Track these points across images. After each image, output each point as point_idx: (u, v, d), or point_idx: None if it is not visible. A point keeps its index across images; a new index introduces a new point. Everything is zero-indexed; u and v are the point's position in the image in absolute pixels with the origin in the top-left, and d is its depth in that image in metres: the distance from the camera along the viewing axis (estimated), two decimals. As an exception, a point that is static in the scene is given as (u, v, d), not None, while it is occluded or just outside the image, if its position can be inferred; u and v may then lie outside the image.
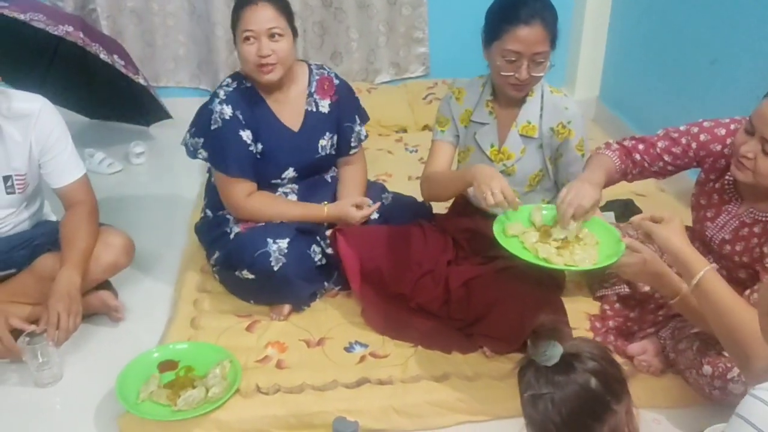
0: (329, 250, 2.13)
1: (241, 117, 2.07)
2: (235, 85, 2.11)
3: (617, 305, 2.08)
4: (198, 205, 2.64)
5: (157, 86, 3.58)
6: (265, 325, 2.06)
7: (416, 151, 3.36)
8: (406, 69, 3.85)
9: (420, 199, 2.29)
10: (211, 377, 1.76)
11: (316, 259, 2.12)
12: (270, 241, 2.00)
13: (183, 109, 3.55)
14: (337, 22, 3.65)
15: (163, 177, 3.16)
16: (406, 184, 2.98)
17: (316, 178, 2.27)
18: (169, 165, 3.25)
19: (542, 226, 1.78)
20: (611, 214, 2.57)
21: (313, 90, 2.20)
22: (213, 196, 2.26)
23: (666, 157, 1.91)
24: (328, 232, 2.13)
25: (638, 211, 2.63)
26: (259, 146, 2.12)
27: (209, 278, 2.27)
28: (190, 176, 3.05)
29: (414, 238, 2.16)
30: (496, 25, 1.87)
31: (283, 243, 2.00)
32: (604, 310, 2.10)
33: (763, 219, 1.73)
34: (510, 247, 1.69)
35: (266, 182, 2.17)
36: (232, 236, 2.10)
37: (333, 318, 2.10)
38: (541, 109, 2.02)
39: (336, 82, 2.25)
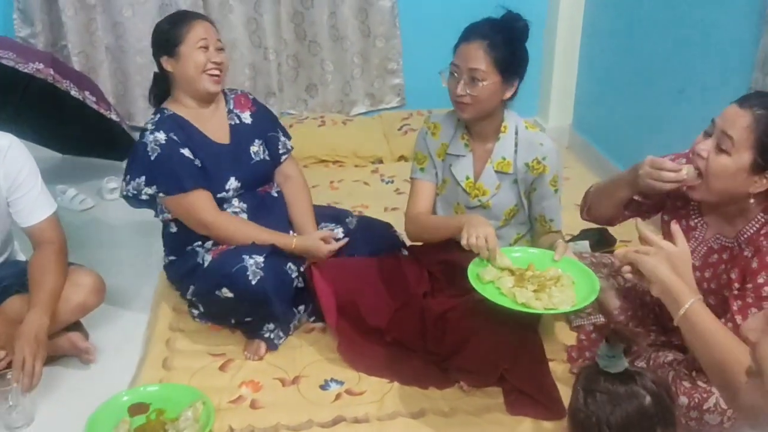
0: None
1: (176, 138, 2.11)
2: (158, 116, 2.16)
3: (593, 335, 2.08)
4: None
5: (131, 125, 3.56)
6: (239, 364, 2.03)
7: (392, 182, 3.37)
8: (381, 100, 3.88)
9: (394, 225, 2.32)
10: (182, 420, 1.72)
11: (293, 276, 2.11)
12: (246, 257, 1.99)
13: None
14: (311, 55, 3.68)
15: (136, 213, 3.07)
16: (382, 215, 2.97)
17: (263, 196, 2.28)
18: (142, 200, 3.22)
19: (517, 269, 1.80)
20: (585, 243, 2.59)
21: (231, 107, 2.30)
22: (172, 244, 2.27)
23: (637, 198, 1.92)
24: (303, 267, 2.12)
25: (612, 239, 2.65)
26: (198, 162, 2.15)
27: (182, 317, 2.23)
28: (163, 212, 3.01)
29: (389, 271, 2.15)
30: (456, 44, 1.96)
31: (260, 258, 2.00)
32: (580, 340, 2.10)
33: (729, 245, 1.74)
34: (487, 294, 1.71)
35: (213, 198, 2.17)
36: (205, 265, 2.08)
37: (308, 355, 2.08)
38: (516, 144, 2.04)
39: (251, 97, 2.39)
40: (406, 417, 1.82)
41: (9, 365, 1.85)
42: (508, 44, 1.91)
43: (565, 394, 1.82)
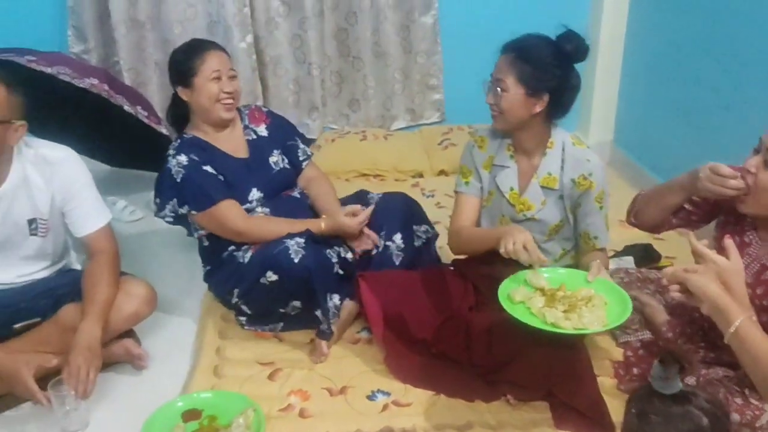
0: (348, 255, 2.21)
1: (196, 158, 2.20)
2: (178, 141, 2.26)
3: (641, 352, 2.07)
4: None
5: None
6: (288, 373, 2.06)
7: (433, 195, 3.39)
8: (422, 115, 3.91)
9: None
10: (234, 427, 1.76)
11: (333, 261, 2.14)
12: (286, 240, 2.06)
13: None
14: (354, 71, 3.73)
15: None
16: (423, 229, 3.01)
17: (283, 197, 2.35)
18: (189, 212, 3.29)
19: (549, 289, 1.82)
20: (630, 259, 2.58)
21: (247, 122, 2.39)
22: (207, 256, 2.35)
23: (687, 206, 1.92)
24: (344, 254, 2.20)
25: (657, 255, 2.64)
26: (221, 177, 2.23)
27: (231, 326, 2.28)
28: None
29: (434, 284, 2.18)
30: None
31: (300, 239, 2.06)
32: (627, 356, 2.08)
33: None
34: (517, 314, 1.73)
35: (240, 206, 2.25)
36: (247, 260, 2.15)
37: (355, 365, 2.10)
38: (563, 161, 2.05)
39: (265, 110, 2.49)
40: (453, 429, 1.83)
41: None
42: (539, 60, 1.93)
43: (612, 409, 1.82)
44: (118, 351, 2.10)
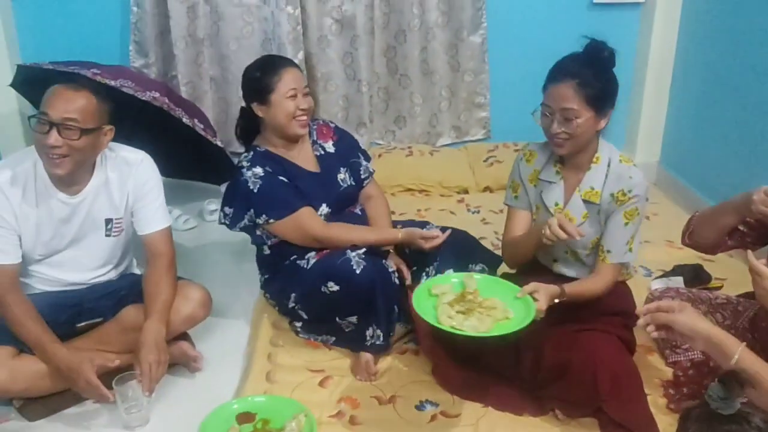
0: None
1: (271, 169, 2.26)
2: (251, 153, 2.32)
3: (691, 372, 2.06)
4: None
5: (231, 151, 3.75)
6: (338, 381, 2.11)
7: (478, 212, 3.42)
8: (467, 132, 3.95)
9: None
10: (287, 430, 1.81)
11: (391, 271, 2.20)
12: (348, 251, 2.13)
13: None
14: (401, 88, 3.80)
15: (233, 234, 3.27)
16: (469, 245, 3.04)
17: (347, 213, 2.40)
18: (239, 222, 3.38)
19: (465, 291, 1.84)
20: (680, 279, 2.57)
21: (315, 138, 2.44)
22: (267, 265, 2.41)
23: (741, 227, 1.92)
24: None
25: (707, 276, 2.62)
26: (296, 185, 2.29)
27: (282, 333, 2.34)
28: (260, 233, 3.16)
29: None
30: (544, 85, 1.99)
31: (361, 251, 2.14)
32: (677, 376, 2.08)
33: None
34: (417, 302, 1.78)
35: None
36: (309, 266, 2.21)
37: (403, 376, 2.13)
38: (606, 176, 2.06)
39: (332, 125, 2.53)
40: (502, 442, 1.85)
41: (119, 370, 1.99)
42: (597, 79, 1.94)
43: (662, 428, 1.82)
44: (175, 352, 2.17)
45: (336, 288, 2.10)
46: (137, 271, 2.36)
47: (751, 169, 2.91)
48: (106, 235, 2.12)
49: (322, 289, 2.12)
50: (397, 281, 2.21)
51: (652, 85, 3.69)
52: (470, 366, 2.06)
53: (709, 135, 3.32)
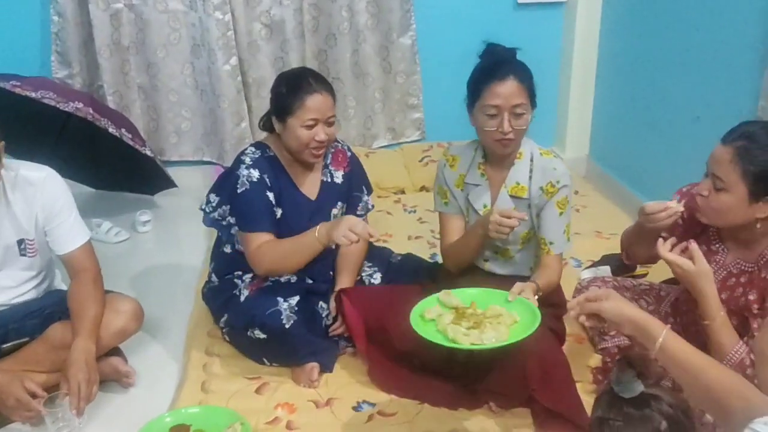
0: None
1: (267, 180, 2.16)
2: (259, 153, 2.20)
3: (618, 357, 2.12)
4: (204, 270, 2.71)
5: (163, 159, 3.70)
6: (275, 387, 2.09)
7: (415, 211, 3.46)
8: (402, 133, 3.98)
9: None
10: (222, 440, 1.79)
11: (323, 315, 2.19)
12: (280, 300, 2.08)
13: (187, 178, 3.69)
14: (335, 92, 3.80)
15: (168, 244, 3.24)
16: (406, 244, 3.07)
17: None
18: (174, 232, 3.34)
19: (460, 307, 1.81)
20: (607, 268, 2.65)
21: (328, 162, 2.32)
22: (219, 262, 2.34)
23: (664, 234, 2.00)
24: (333, 295, 2.20)
25: (633, 265, 2.70)
26: (279, 211, 2.20)
27: (217, 342, 2.31)
28: (195, 243, 3.12)
29: (416, 297, 2.20)
30: (475, 87, 2.00)
31: (293, 301, 2.08)
32: (605, 362, 2.14)
33: (749, 269, 1.80)
34: (420, 330, 1.72)
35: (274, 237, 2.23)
36: (242, 299, 2.17)
37: (340, 378, 2.14)
38: (531, 170, 2.11)
39: (348, 154, 2.39)
40: (437, 437, 1.87)
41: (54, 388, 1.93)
42: (529, 74, 2.01)
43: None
44: (106, 369, 2.12)
45: (263, 336, 2.08)
46: (63, 287, 2.29)
47: (675, 160, 3.02)
48: (22, 255, 2.05)
49: (249, 333, 2.10)
50: (329, 321, 2.21)
51: (578, 82, 3.79)
52: (405, 365, 2.08)
53: (634, 128, 3.44)
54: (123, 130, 3.03)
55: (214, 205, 2.22)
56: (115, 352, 2.18)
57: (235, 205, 2.16)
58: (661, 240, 1.79)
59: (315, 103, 2.08)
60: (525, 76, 1.98)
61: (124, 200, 3.57)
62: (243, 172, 2.15)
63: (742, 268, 1.82)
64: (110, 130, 2.93)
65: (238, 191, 2.14)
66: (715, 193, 1.71)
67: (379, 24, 3.69)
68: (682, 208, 1.87)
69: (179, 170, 3.69)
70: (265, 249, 2.13)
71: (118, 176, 3.53)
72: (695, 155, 2.80)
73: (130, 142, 3.02)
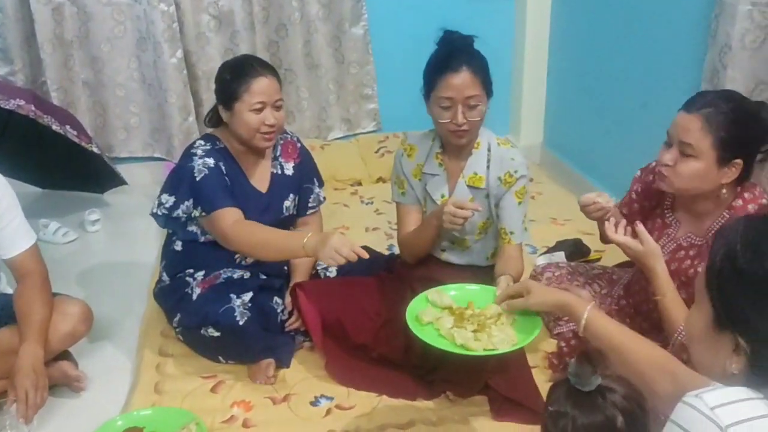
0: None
1: (222, 168, 2.12)
2: (209, 145, 2.16)
3: (573, 341, 2.15)
4: (155, 269, 2.65)
5: (111, 156, 3.60)
6: (230, 385, 2.06)
7: (372, 203, 3.44)
8: (358, 124, 3.96)
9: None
10: (177, 441, 1.76)
11: (279, 310, 2.17)
12: (233, 296, 2.04)
13: (137, 175, 3.62)
14: (287, 83, 3.75)
15: (119, 243, 3.16)
16: (363, 236, 3.06)
17: None
18: (125, 231, 3.26)
19: (457, 308, 1.74)
20: (561, 254, 2.68)
21: (278, 153, 2.29)
22: (170, 260, 2.29)
23: (624, 210, 2.05)
24: (289, 290, 2.18)
25: (587, 249, 2.75)
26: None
27: (171, 342, 2.27)
28: (146, 241, 3.06)
29: (372, 289, 2.21)
30: (430, 78, 2.00)
31: (246, 297, 2.05)
32: (560, 347, 2.16)
33: (698, 243, 1.85)
34: (425, 337, 1.64)
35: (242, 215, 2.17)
36: (194, 297, 2.12)
37: (297, 373, 2.12)
38: (488, 160, 2.12)
39: (299, 145, 2.36)
40: (396, 428, 1.87)
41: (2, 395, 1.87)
42: (483, 63, 2.01)
43: (548, 398, 1.90)
44: (55, 373, 2.06)
45: (217, 334, 2.04)
46: (9, 291, 2.22)
47: (624, 145, 3.07)
48: None
49: (203, 332, 2.06)
50: (284, 314, 2.19)
51: (530, 70, 3.82)
52: (362, 357, 2.08)
53: (586, 115, 3.48)
54: (68, 127, 2.94)
55: (168, 206, 2.14)
56: (65, 355, 2.13)
57: (198, 192, 2.08)
58: (608, 223, 1.82)
59: (261, 86, 2.07)
60: (479, 67, 1.98)
61: (72, 199, 3.47)
62: (197, 161, 2.10)
63: (692, 241, 1.86)
64: (54, 127, 2.84)
65: (198, 179, 2.08)
66: (684, 161, 1.72)
67: (330, 14, 3.65)
68: (611, 204, 1.96)
69: (129, 167, 3.61)
70: (243, 228, 2.04)
71: (65, 175, 3.43)
72: (643, 140, 2.86)
73: (76, 140, 2.94)
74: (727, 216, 1.78)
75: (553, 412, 1.18)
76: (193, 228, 2.21)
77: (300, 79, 3.74)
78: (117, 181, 3.35)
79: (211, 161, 2.10)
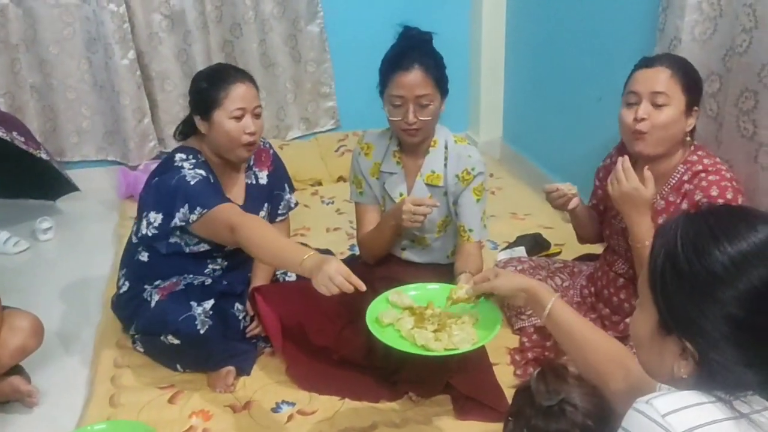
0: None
1: (211, 178, 2.05)
2: (193, 158, 2.06)
3: (535, 336, 2.16)
4: (111, 278, 2.58)
5: (62, 161, 3.51)
6: (189, 395, 2.02)
7: (332, 202, 3.41)
8: (317, 123, 3.92)
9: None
10: (133, 455, 1.71)
11: (240, 318, 2.13)
12: (194, 304, 1.99)
13: (91, 180, 3.53)
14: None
15: (73, 252, 3.06)
16: (324, 236, 3.03)
17: (245, 258, 2.20)
18: (78, 239, 3.16)
19: (418, 308, 1.71)
20: (522, 249, 2.69)
21: (251, 163, 2.24)
22: (133, 270, 2.21)
23: (593, 201, 2.15)
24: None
25: (546, 243, 2.76)
26: None
27: (127, 352, 2.21)
28: (101, 249, 2.98)
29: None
30: (384, 76, 2.00)
31: (207, 305, 2.00)
32: (522, 342, 2.17)
33: (657, 205, 1.91)
34: (386, 339, 1.62)
35: (204, 250, 2.13)
36: (152, 304, 2.06)
37: (257, 379, 2.08)
38: (446, 158, 2.11)
39: (271, 152, 2.31)
40: (359, 431, 1.85)
41: None
42: (437, 62, 2.00)
43: (510, 396, 1.89)
44: (6, 389, 2.00)
45: (177, 342, 1.99)
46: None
47: (582, 139, 3.09)
48: None
49: (162, 338, 2.01)
50: (246, 320, 2.16)
51: (488, 66, 3.82)
52: (324, 360, 2.05)
53: (543, 110, 3.49)
54: (14, 133, 2.85)
55: (157, 224, 2.02)
56: (17, 370, 2.06)
57: (196, 193, 1.96)
58: (611, 176, 1.84)
59: (240, 92, 2.01)
60: (432, 66, 1.96)
61: (22, 208, 3.36)
62: (189, 172, 1.99)
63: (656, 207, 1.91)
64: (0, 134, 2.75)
65: (192, 183, 1.96)
66: (658, 111, 1.81)
67: (285, 12, 3.60)
68: (574, 192, 2.04)
69: (83, 172, 3.52)
70: (251, 219, 1.93)
71: (14, 182, 3.32)
72: (599, 133, 2.89)
73: (23, 146, 2.85)
74: (683, 171, 1.87)
75: (512, 420, 1.18)
76: (175, 239, 2.11)
77: (257, 78, 3.58)
78: (69, 187, 3.26)
79: (202, 171, 2.02)
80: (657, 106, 1.81)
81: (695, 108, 1.84)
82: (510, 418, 1.18)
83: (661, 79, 1.81)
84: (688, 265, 0.92)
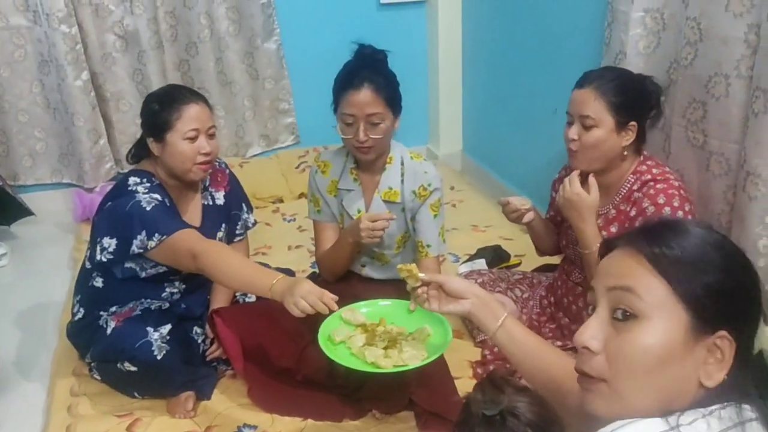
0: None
1: (167, 204, 2.03)
2: (147, 182, 2.03)
3: (496, 349, 2.17)
4: (68, 303, 2.52)
5: (16, 185, 3.43)
6: (147, 422, 1.98)
7: (294, 219, 3.40)
8: (276, 140, 3.90)
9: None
10: (90, 487, 1.67)
11: (199, 341, 2.10)
12: (150, 330, 1.96)
13: (46, 203, 3.46)
14: (203, 102, 3.67)
15: (28, 277, 2.99)
16: (286, 254, 3.01)
17: (203, 281, 2.19)
18: (34, 265, 3.09)
19: (370, 325, 1.71)
20: (482, 261, 2.71)
21: (207, 184, 2.21)
22: (87, 296, 2.17)
23: (551, 212, 2.23)
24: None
25: (507, 254, 2.79)
26: None
27: (84, 380, 2.16)
28: (57, 273, 2.92)
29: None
30: (336, 95, 2.01)
31: (164, 330, 1.97)
32: (484, 355, 2.19)
33: (603, 213, 1.97)
34: (337, 357, 1.61)
35: (162, 272, 2.09)
36: (108, 331, 2.02)
37: (219, 403, 2.05)
38: (402, 174, 2.12)
39: (227, 172, 2.29)
40: (322, 452, 1.84)
41: None
42: (388, 80, 2.01)
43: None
44: (-44, 424, 1.94)
45: (133, 369, 1.95)
46: None
47: (538, 150, 3.14)
48: None
49: (119, 366, 1.97)
50: (206, 347, 2.14)
51: (446, 79, 3.85)
52: (286, 381, 2.03)
53: (501, 122, 3.54)
54: (-36, 158, 2.77)
55: (111, 249, 1.97)
56: (-31, 403, 2.01)
57: (153, 220, 1.92)
58: (565, 180, 1.93)
59: (193, 112, 1.99)
60: (382, 84, 1.97)
61: (-25, 232, 3.28)
62: (143, 197, 1.96)
63: (599, 212, 1.96)
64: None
65: (148, 209, 1.93)
66: (587, 132, 1.87)
67: (241, 30, 3.59)
68: (527, 206, 2.10)
69: (37, 195, 3.46)
70: (213, 245, 1.91)
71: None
72: (556, 144, 2.92)
73: (-27, 171, 2.78)
74: (633, 180, 1.92)
75: (458, 430, 1.17)
76: (131, 265, 2.06)
77: (214, 97, 3.65)
78: (23, 212, 3.19)
79: (157, 196, 1.99)
80: (586, 127, 1.87)
81: (631, 123, 1.86)
82: (455, 429, 1.18)
83: (586, 102, 1.86)
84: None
